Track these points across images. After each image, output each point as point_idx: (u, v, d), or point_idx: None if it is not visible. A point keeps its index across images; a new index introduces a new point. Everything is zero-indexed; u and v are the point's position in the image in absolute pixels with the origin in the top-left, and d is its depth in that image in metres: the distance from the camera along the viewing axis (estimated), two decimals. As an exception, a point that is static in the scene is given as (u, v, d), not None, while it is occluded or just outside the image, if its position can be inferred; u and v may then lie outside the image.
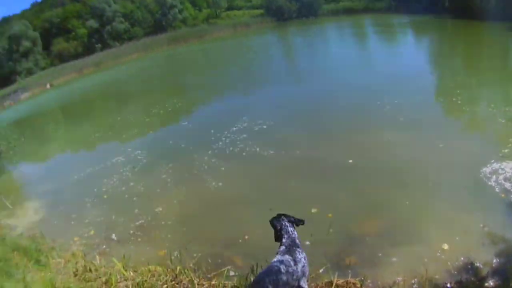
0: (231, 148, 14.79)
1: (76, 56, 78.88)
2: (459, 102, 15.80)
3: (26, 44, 75.51)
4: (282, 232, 5.28)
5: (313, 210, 9.50)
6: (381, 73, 23.39)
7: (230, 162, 13.81)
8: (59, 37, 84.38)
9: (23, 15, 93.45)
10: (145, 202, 11.99)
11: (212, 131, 16.89)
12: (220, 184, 12.16)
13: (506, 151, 10.90)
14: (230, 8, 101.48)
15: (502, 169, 9.99)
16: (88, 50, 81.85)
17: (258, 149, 14.22)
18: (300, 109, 18.76)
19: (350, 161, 11.98)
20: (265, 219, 5.64)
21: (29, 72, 73.87)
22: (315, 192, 10.70)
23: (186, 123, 20.42)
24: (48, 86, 64.53)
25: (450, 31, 47.91)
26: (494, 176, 9.69)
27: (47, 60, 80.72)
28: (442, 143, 11.96)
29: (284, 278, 4.54)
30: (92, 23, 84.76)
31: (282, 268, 4.61)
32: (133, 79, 46.11)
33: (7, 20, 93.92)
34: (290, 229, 5.31)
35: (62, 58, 79.11)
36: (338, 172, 11.85)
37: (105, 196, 12.93)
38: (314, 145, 13.90)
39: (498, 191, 9.12)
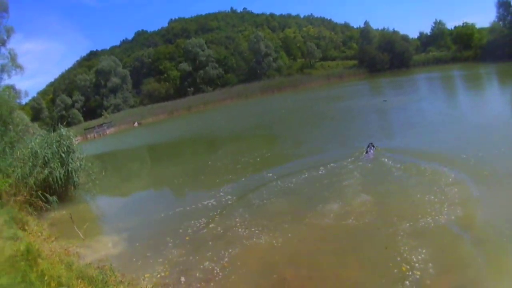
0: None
1: (167, 97, 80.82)
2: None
3: (115, 80, 78.88)
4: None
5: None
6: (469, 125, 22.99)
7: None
8: (149, 77, 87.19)
9: (112, 51, 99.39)
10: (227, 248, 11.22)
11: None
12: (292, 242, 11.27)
13: None
14: (324, 58, 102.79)
15: None
16: (180, 92, 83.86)
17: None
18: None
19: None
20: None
21: (117, 108, 76.61)
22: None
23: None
24: (135, 124, 65.96)
25: None
26: None
27: (137, 98, 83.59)
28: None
29: None
30: (185, 66, 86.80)
31: None
32: (220, 126, 45.75)
33: (95, 54, 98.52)
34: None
35: (152, 98, 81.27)
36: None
37: (187, 238, 12.40)
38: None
39: None
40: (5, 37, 19.14)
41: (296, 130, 32.18)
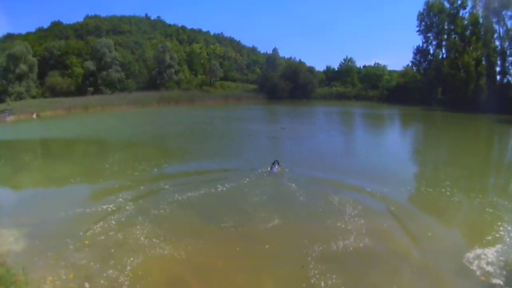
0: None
1: (67, 93, 79.42)
2: (447, 193, 17.68)
3: (23, 67, 76.05)
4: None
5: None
6: (367, 162, 25.36)
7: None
8: (55, 69, 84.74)
9: (26, 37, 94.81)
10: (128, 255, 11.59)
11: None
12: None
13: (489, 238, 12.50)
14: (225, 78, 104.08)
15: (485, 254, 11.23)
16: (80, 90, 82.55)
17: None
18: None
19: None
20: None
21: (19, 97, 73.94)
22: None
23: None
24: (34, 115, 64.58)
25: (440, 122, 52.42)
26: (476, 261, 10.85)
27: (39, 89, 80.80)
28: (431, 232, 13.27)
29: None
30: (90, 64, 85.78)
31: None
32: (118, 130, 46.19)
33: (11, 37, 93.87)
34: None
35: (54, 92, 79.49)
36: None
37: (86, 242, 12.48)
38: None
39: (479, 274, 10.24)
40: None
41: (196, 145, 33.23)
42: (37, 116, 64.53)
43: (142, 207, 15.63)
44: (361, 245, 11.82)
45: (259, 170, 21.04)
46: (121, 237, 12.57)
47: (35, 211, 15.83)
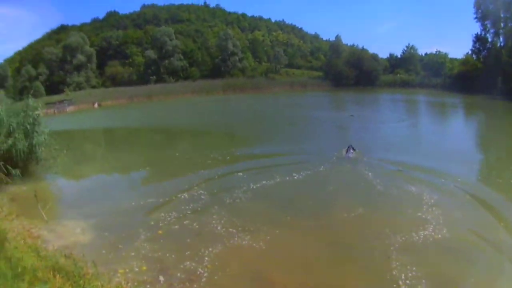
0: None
1: (129, 83, 79.51)
2: None
3: (80, 58, 76.30)
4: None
5: None
6: (439, 148, 24.79)
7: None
8: (115, 59, 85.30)
9: (82, 28, 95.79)
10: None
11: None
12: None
13: None
14: (289, 65, 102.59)
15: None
16: (142, 79, 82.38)
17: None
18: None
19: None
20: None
21: (79, 87, 74.29)
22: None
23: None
24: (96, 105, 64.71)
25: (501, 112, 50.35)
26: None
27: (99, 79, 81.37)
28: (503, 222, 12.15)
29: None
30: (151, 53, 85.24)
31: None
32: (184, 118, 45.41)
33: (65, 28, 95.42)
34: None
35: (115, 81, 79.99)
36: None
37: (160, 232, 11.66)
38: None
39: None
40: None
41: (266, 132, 32.34)
42: (99, 105, 64.86)
43: (217, 196, 14.96)
44: (440, 236, 11.00)
45: (334, 157, 20.37)
46: (197, 226, 11.99)
47: (102, 202, 15.09)
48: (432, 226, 11.52)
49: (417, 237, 10.85)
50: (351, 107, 51.95)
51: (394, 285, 8.70)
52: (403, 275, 8.95)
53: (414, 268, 9.19)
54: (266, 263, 10.03)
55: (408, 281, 8.75)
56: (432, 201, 13.47)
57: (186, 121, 42.29)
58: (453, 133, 33.01)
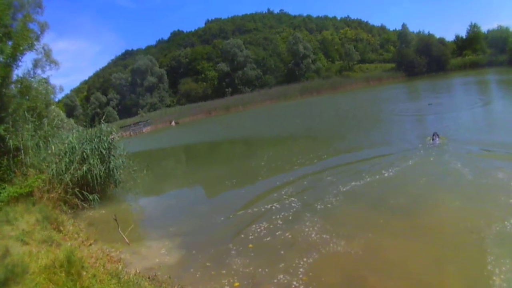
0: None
1: (204, 97, 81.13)
2: None
3: (151, 79, 79.29)
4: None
5: None
6: None
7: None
8: (187, 77, 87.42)
9: (148, 51, 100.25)
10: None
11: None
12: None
13: None
14: (362, 61, 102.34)
15: None
16: (218, 93, 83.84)
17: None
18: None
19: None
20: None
21: (153, 107, 76.89)
22: None
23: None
24: (173, 123, 65.59)
25: None
26: None
27: (173, 98, 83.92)
28: None
29: None
30: (223, 66, 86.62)
31: None
32: (265, 127, 44.67)
33: (130, 53, 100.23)
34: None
35: (189, 98, 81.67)
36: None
37: (250, 246, 11.02)
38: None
39: None
40: (39, 32, 18.21)
41: (348, 132, 30.76)
42: (176, 123, 65.71)
43: (308, 202, 14.11)
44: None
45: (420, 147, 19.57)
46: (290, 236, 11.26)
47: (188, 219, 14.94)
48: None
49: (510, 227, 9.80)
50: (428, 95, 49.92)
51: (490, 282, 7.94)
52: (497, 269, 8.23)
53: (507, 261, 8.42)
54: (363, 269, 9.24)
55: (502, 276, 7.98)
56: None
57: (267, 129, 41.81)
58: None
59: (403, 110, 37.48)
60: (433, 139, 19.91)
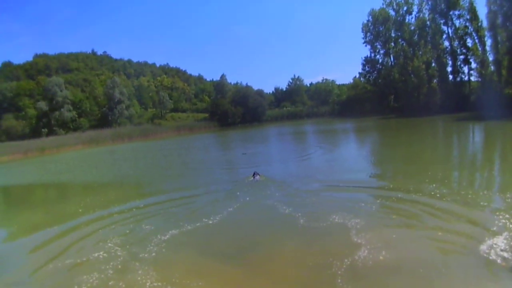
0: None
1: (23, 136, 78.87)
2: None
3: None
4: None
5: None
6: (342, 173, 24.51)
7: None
8: (9, 112, 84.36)
9: None
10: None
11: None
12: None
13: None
14: (175, 109, 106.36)
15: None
16: (35, 132, 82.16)
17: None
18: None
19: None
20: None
21: None
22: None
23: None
24: None
25: (394, 129, 53.21)
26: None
27: None
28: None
29: None
30: (42, 105, 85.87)
31: None
32: (79, 172, 43.68)
33: None
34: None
35: (10, 135, 79.14)
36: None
37: None
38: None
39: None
40: None
41: (163, 179, 30.66)
42: None
43: (132, 252, 13.31)
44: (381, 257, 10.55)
45: (243, 181, 21.95)
46: (124, 286, 10.76)
47: (7, 270, 13.17)
48: (367, 249, 11.01)
49: (359, 261, 10.35)
50: (242, 145, 52.00)
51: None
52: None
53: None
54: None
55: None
56: (358, 226, 12.89)
57: (80, 174, 41.07)
58: (350, 156, 32.93)
59: (216, 159, 39.72)
60: (254, 177, 21.68)
